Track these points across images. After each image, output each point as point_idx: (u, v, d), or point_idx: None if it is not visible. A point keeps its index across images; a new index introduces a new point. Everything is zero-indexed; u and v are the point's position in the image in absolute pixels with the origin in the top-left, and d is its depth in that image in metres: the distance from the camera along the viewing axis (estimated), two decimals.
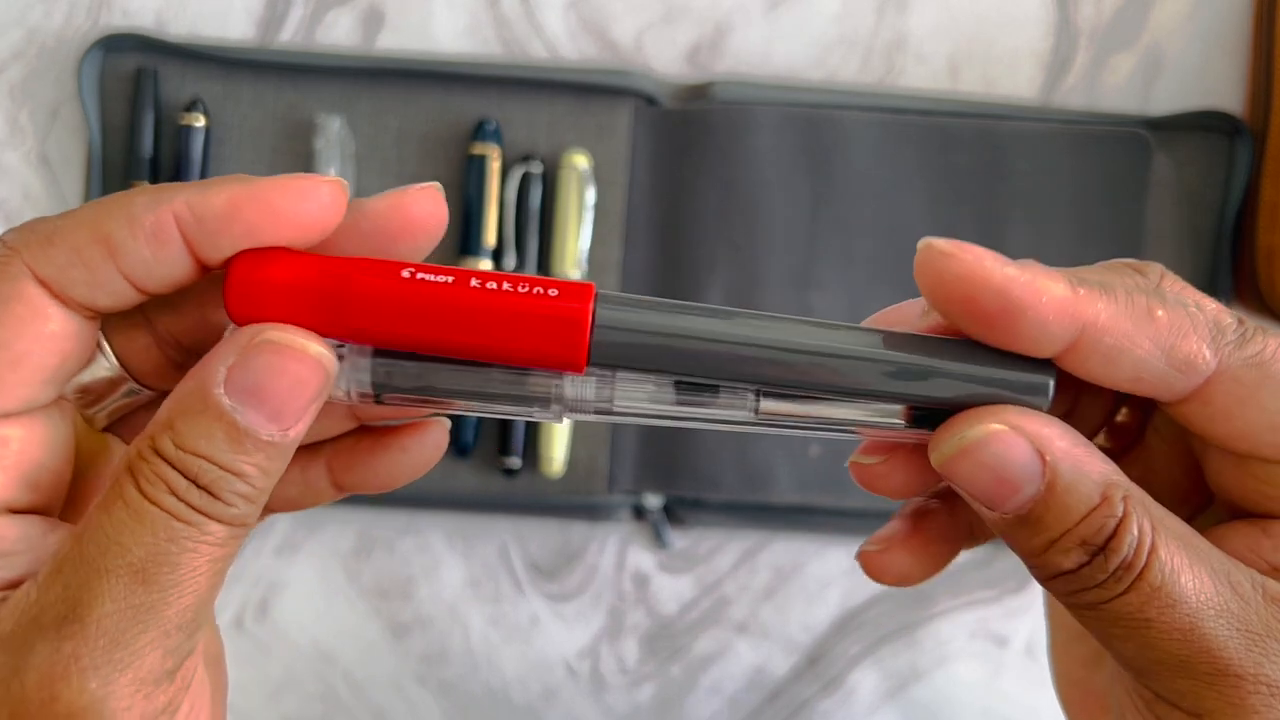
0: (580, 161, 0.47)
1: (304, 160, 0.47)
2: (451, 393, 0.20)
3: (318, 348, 0.19)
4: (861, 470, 0.23)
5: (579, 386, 0.21)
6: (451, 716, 0.51)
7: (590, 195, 0.47)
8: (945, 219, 0.48)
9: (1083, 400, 0.23)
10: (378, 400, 0.21)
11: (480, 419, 0.48)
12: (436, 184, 0.21)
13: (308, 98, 0.48)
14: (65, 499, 0.21)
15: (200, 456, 0.18)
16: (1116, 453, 0.24)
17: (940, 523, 0.24)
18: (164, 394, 0.21)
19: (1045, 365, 0.20)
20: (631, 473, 0.49)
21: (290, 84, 0.48)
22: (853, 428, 0.21)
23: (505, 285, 0.19)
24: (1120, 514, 0.19)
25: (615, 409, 0.21)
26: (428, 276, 0.19)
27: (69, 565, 0.17)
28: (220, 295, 0.20)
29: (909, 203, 0.48)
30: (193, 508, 0.18)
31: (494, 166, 0.47)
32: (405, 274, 0.19)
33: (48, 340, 0.18)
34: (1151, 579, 0.19)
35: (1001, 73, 0.50)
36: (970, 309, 0.20)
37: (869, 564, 0.24)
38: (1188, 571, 0.19)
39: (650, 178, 0.48)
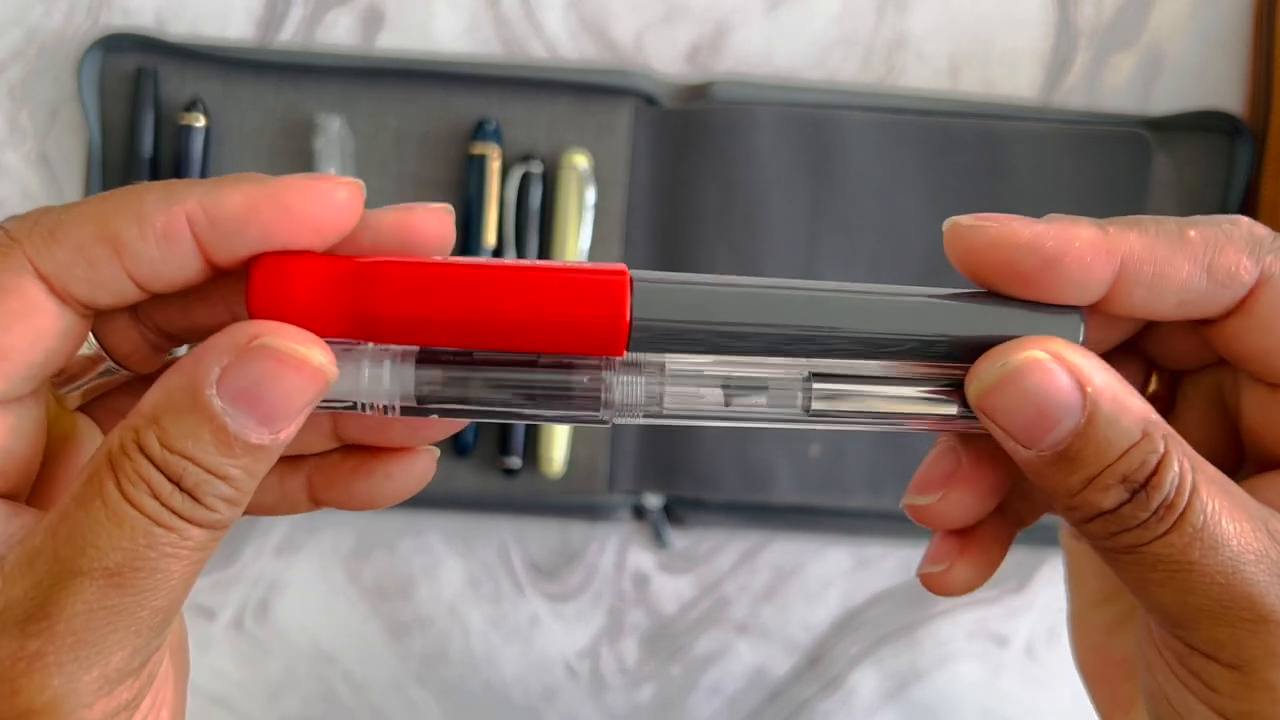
0: (580, 161, 0.47)
1: (304, 160, 0.47)
2: (494, 402, 0.20)
3: (319, 357, 0.18)
4: (920, 512, 0.23)
5: (627, 388, 0.20)
6: (451, 716, 0.51)
7: (590, 195, 0.47)
8: (945, 218, 0.48)
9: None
10: (421, 412, 0.20)
11: (478, 424, 0.48)
12: (448, 206, 0.21)
13: (307, 97, 0.48)
14: (38, 484, 0.20)
15: (186, 458, 0.17)
16: None
17: (991, 525, 0.24)
18: (139, 376, 0.21)
19: (1072, 309, 0.20)
20: (631, 472, 0.49)
21: (290, 84, 0.48)
22: (904, 419, 0.21)
23: (539, 303, 0.19)
24: (1162, 451, 0.19)
25: (665, 410, 0.20)
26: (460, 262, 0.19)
27: (41, 561, 0.17)
28: (209, 286, 0.19)
29: (909, 202, 0.48)
30: (174, 512, 0.17)
31: (494, 166, 0.47)
32: (437, 257, 0.19)
33: (37, 336, 0.18)
34: (1194, 519, 0.18)
35: (1002, 73, 0.50)
36: (1009, 270, 0.20)
37: (935, 585, 0.23)
38: (1228, 514, 0.18)
39: (650, 177, 0.48)
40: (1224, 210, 0.49)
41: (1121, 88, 0.50)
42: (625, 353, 0.20)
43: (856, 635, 0.51)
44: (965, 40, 0.50)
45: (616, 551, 0.50)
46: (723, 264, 0.48)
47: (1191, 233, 0.20)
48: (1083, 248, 0.20)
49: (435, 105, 0.48)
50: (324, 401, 0.19)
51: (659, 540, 0.50)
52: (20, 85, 0.48)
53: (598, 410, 0.20)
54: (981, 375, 0.20)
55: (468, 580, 0.50)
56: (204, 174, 0.47)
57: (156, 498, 0.17)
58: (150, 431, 0.17)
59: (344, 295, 0.18)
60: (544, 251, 0.48)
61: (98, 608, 0.16)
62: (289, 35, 0.49)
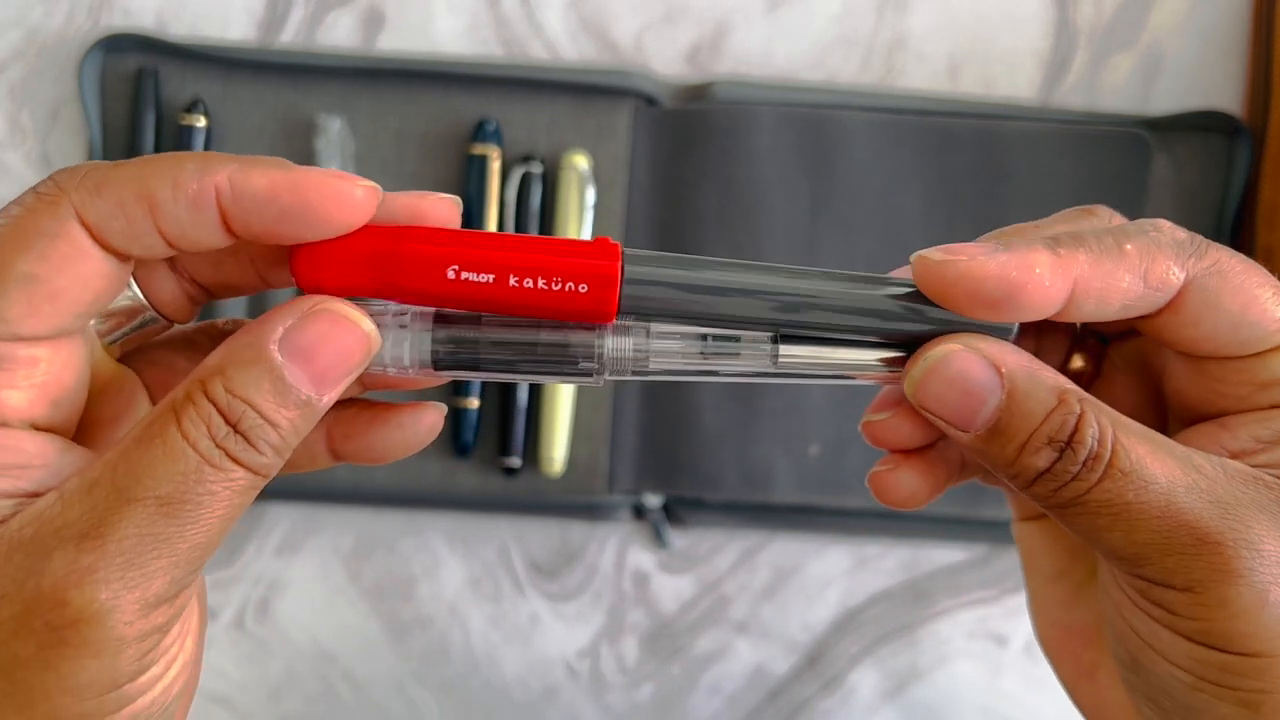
0: (580, 162, 0.47)
1: (304, 160, 0.48)
2: (501, 362, 0.22)
3: (369, 325, 0.21)
4: (873, 427, 0.26)
5: (618, 342, 0.23)
6: (452, 716, 0.51)
7: (590, 195, 0.47)
8: (944, 219, 0.48)
9: (1042, 347, 0.27)
10: (436, 368, 0.22)
11: (480, 419, 0.48)
12: (456, 198, 0.23)
13: (308, 98, 0.48)
14: (84, 426, 0.22)
15: (246, 402, 0.19)
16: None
17: (939, 452, 0.26)
18: (176, 324, 0.23)
19: None
20: (631, 472, 0.49)
21: (290, 84, 0.48)
22: (852, 372, 0.24)
23: (540, 282, 0.21)
24: (1078, 411, 0.21)
25: (650, 368, 0.23)
26: (470, 276, 0.21)
27: (99, 488, 0.18)
28: (239, 248, 0.22)
29: (908, 202, 0.48)
30: (225, 452, 0.19)
31: (494, 167, 0.47)
32: (450, 273, 0.21)
33: (85, 278, 0.20)
34: (1121, 464, 0.21)
35: (1001, 73, 0.50)
36: (977, 300, 0.22)
37: (879, 483, 0.26)
38: (1152, 457, 0.21)
39: (650, 178, 0.48)
40: (1223, 211, 0.49)
41: (1121, 88, 0.50)
42: (615, 318, 0.22)
43: (856, 635, 0.51)
44: (965, 40, 0.50)
45: (616, 551, 0.51)
46: None
47: (1128, 246, 0.22)
48: (1041, 275, 0.22)
49: (435, 106, 0.48)
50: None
51: (659, 540, 0.50)
52: (21, 85, 0.48)
53: (592, 367, 0.22)
54: (912, 373, 0.23)
55: (468, 580, 0.50)
56: None
57: (212, 438, 0.19)
58: (216, 380, 0.19)
59: (377, 259, 0.21)
60: None
61: (147, 533, 0.18)
62: (289, 36, 0.49)
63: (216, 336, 0.24)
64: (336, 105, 0.48)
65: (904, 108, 0.48)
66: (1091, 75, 0.50)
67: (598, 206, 0.48)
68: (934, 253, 0.23)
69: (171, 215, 0.20)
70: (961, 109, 0.49)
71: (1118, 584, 0.23)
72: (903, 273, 0.25)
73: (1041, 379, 0.22)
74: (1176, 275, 0.22)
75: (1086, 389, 0.24)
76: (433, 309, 0.23)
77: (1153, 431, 0.22)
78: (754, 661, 0.51)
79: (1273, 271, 0.46)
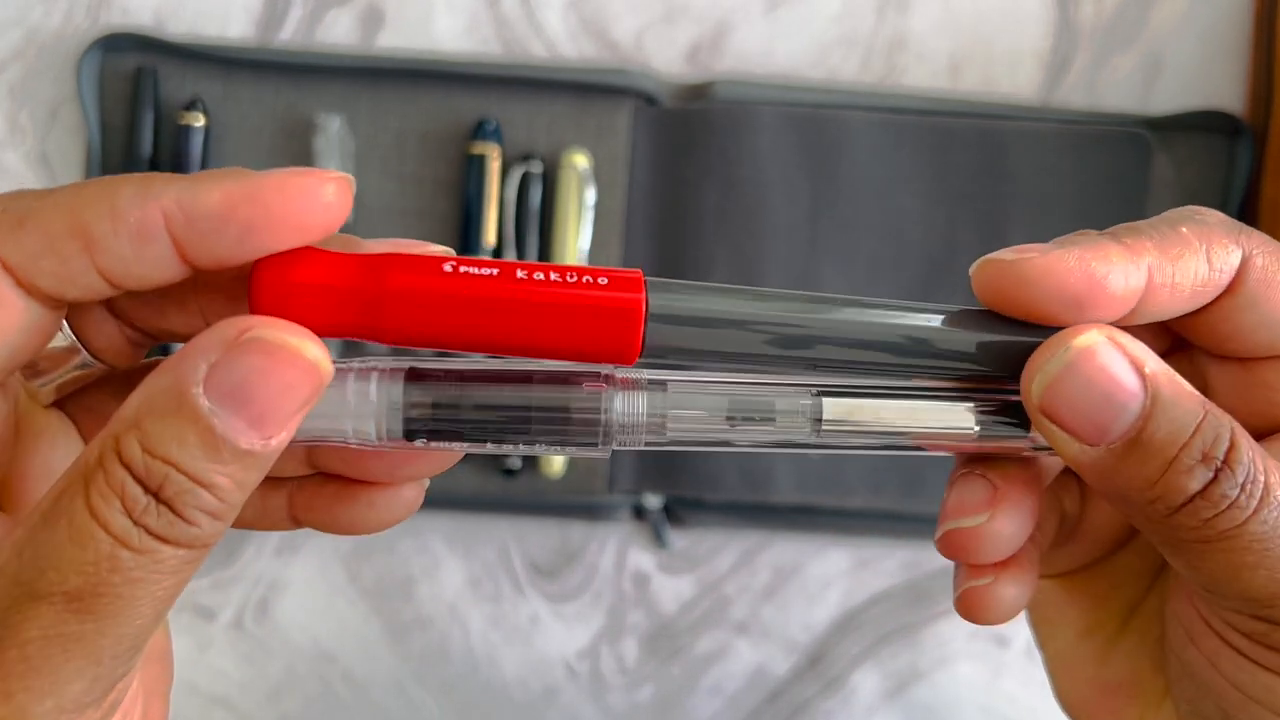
0: (580, 161, 0.47)
1: (304, 160, 0.47)
2: (488, 425, 0.18)
3: (314, 350, 0.16)
4: (963, 536, 0.21)
5: (629, 406, 0.19)
6: (451, 716, 0.51)
7: (590, 195, 0.47)
8: (945, 218, 0.48)
9: None
10: (408, 438, 0.18)
11: None
12: (448, 248, 0.19)
13: (307, 97, 0.48)
14: (3, 482, 0.19)
15: (169, 463, 0.15)
16: None
17: (1024, 550, 0.23)
18: (116, 370, 0.20)
19: None
20: (631, 473, 0.49)
21: (290, 83, 0.48)
22: (920, 439, 0.20)
23: (553, 275, 0.18)
24: (1230, 425, 0.18)
25: (667, 435, 0.19)
26: (470, 270, 0.17)
27: (1, 582, 0.16)
28: (186, 287, 0.18)
29: (909, 202, 0.48)
30: (146, 530, 0.16)
31: (494, 166, 0.47)
32: (447, 268, 0.17)
33: (4, 330, 0.17)
34: (1278, 493, 0.18)
35: (1002, 72, 0.50)
36: (1061, 298, 0.19)
37: (978, 603, 0.22)
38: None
39: (650, 177, 0.48)
40: (1225, 211, 0.49)
41: (1121, 87, 0.50)
42: (638, 358, 0.19)
43: (857, 635, 0.51)
44: (965, 40, 0.50)
45: (616, 551, 0.50)
46: (723, 264, 0.48)
47: (1184, 229, 0.20)
48: (1118, 265, 0.19)
49: (435, 105, 0.48)
50: (306, 436, 0.18)
51: (659, 540, 0.50)
52: (20, 85, 0.48)
53: (595, 435, 0.19)
54: (1046, 368, 0.19)
55: (468, 580, 0.50)
56: None
57: (129, 514, 0.15)
58: (131, 436, 0.15)
59: (352, 294, 0.17)
60: (544, 252, 0.48)
61: (54, 634, 0.15)
62: (289, 35, 0.49)
63: None
64: (336, 104, 0.47)
65: (905, 107, 0.48)
66: (1092, 75, 0.50)
67: (597, 206, 0.48)
68: (1005, 253, 0.20)
69: (112, 250, 0.17)
70: (962, 108, 0.49)
71: (1214, 632, 0.21)
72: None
73: (1184, 386, 0.19)
74: (1234, 252, 0.20)
75: None
76: (404, 364, 0.19)
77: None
78: (754, 662, 0.51)
79: None
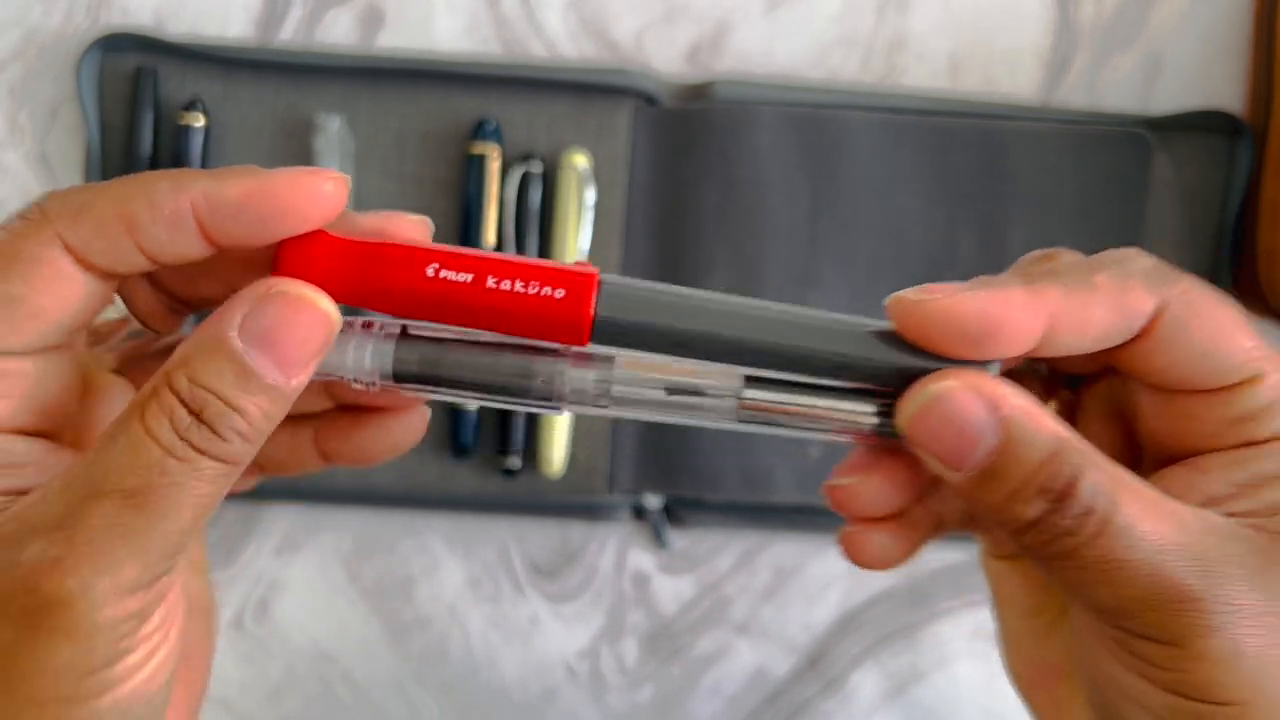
0: (580, 161, 0.47)
1: (304, 160, 0.47)
2: (462, 382, 0.22)
3: (326, 303, 0.21)
4: (838, 493, 0.25)
5: (580, 372, 0.22)
6: (451, 716, 0.51)
7: (590, 195, 0.47)
8: (945, 218, 0.48)
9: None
10: (397, 381, 0.23)
11: (480, 420, 0.48)
12: (426, 219, 0.24)
13: (307, 97, 0.48)
14: (75, 430, 0.23)
15: (209, 390, 0.20)
16: None
17: (913, 515, 0.26)
18: (161, 335, 0.25)
19: None
20: (631, 473, 0.49)
21: (289, 83, 0.48)
22: (828, 426, 0.23)
23: (518, 285, 0.21)
24: (1076, 463, 0.21)
25: (613, 400, 0.23)
26: (449, 274, 0.21)
27: (73, 484, 0.20)
28: (215, 260, 0.22)
29: (909, 202, 0.48)
30: (190, 444, 0.20)
31: (494, 166, 0.47)
32: (429, 271, 0.21)
33: (67, 297, 0.21)
34: (1118, 522, 0.21)
35: (1002, 72, 0.50)
36: (957, 338, 0.22)
37: (850, 544, 0.26)
38: (1144, 515, 0.21)
39: (650, 177, 0.48)
40: (1225, 211, 0.49)
41: (1121, 87, 0.50)
42: (589, 342, 0.22)
43: (857, 635, 0.51)
44: (965, 39, 0.50)
45: (616, 552, 0.50)
46: (723, 264, 0.48)
47: (1099, 277, 0.23)
48: (1018, 309, 0.22)
49: (435, 105, 0.48)
50: (319, 373, 0.22)
51: (659, 540, 0.50)
52: (20, 85, 0.48)
53: (551, 396, 0.22)
54: (907, 407, 0.22)
55: (468, 580, 0.50)
56: None
57: (175, 430, 0.20)
58: (180, 372, 0.20)
59: (354, 276, 0.21)
60: (544, 252, 0.48)
61: (114, 524, 0.19)
62: (288, 35, 0.49)
63: None
64: (336, 104, 0.47)
65: (905, 107, 0.48)
66: (1092, 74, 0.50)
67: (597, 206, 0.48)
68: (910, 293, 0.22)
69: (150, 234, 0.21)
70: (962, 108, 0.49)
71: (1095, 633, 0.23)
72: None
73: (1041, 425, 0.22)
74: (1147, 302, 0.23)
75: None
76: (399, 324, 0.23)
77: (1144, 483, 0.22)
78: (754, 662, 0.51)
79: (1276, 269, 0.47)
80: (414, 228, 0.23)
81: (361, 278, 0.21)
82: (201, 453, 0.20)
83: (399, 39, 0.49)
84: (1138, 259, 0.23)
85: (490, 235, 0.47)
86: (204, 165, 0.47)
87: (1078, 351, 0.23)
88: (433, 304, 0.21)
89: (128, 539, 0.19)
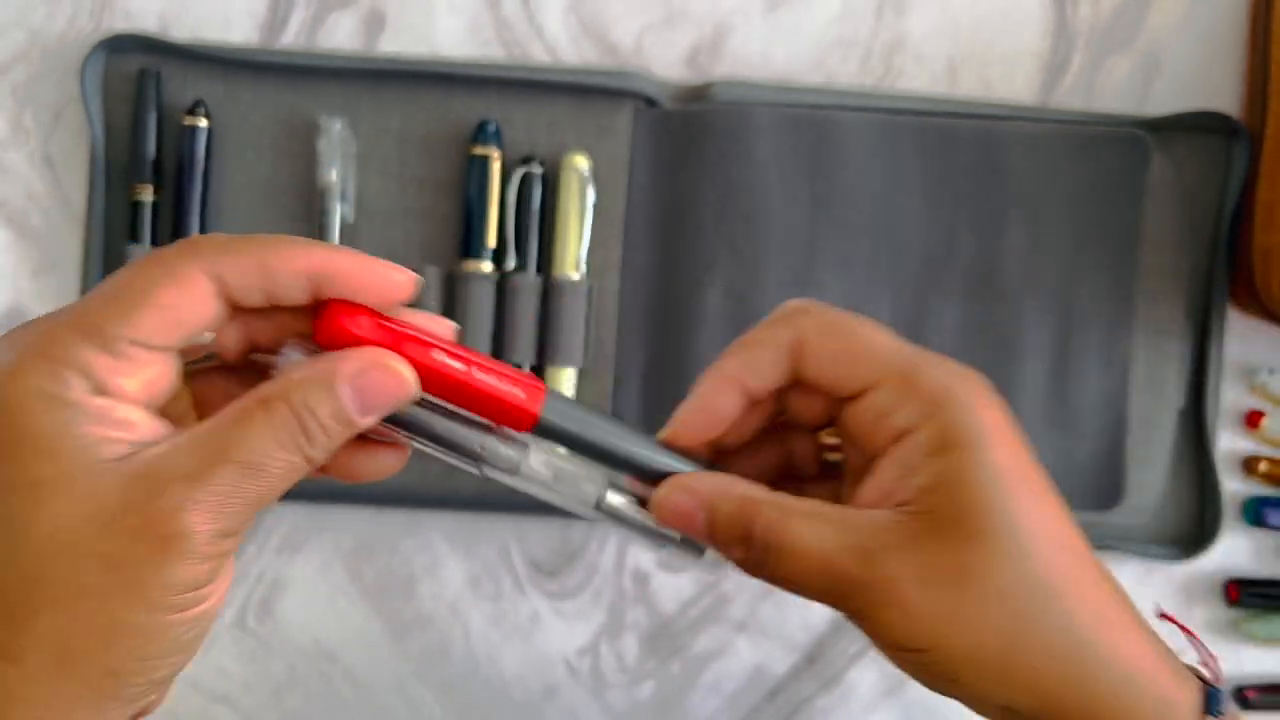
0: (581, 163, 0.47)
1: (306, 161, 0.48)
2: (421, 429, 0.28)
3: (412, 380, 0.27)
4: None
5: (500, 448, 0.29)
6: (452, 714, 0.51)
7: (590, 196, 0.48)
8: (943, 219, 0.48)
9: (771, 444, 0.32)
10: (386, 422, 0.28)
11: None
12: (455, 326, 0.29)
13: (309, 99, 0.48)
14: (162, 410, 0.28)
15: (313, 412, 0.25)
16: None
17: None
18: (222, 363, 0.29)
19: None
20: None
21: (291, 85, 0.48)
22: (656, 538, 0.30)
23: (493, 382, 0.28)
24: (749, 512, 0.28)
25: (519, 475, 0.29)
26: (448, 360, 0.28)
27: (204, 447, 0.25)
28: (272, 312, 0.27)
29: (907, 204, 0.48)
30: (295, 445, 0.25)
31: (494, 168, 0.47)
32: (436, 355, 0.28)
33: (201, 314, 0.26)
34: (787, 545, 0.27)
35: (999, 74, 0.50)
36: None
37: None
38: (810, 532, 0.27)
39: (650, 178, 0.48)
40: (1221, 211, 0.49)
41: (1119, 89, 0.50)
42: (528, 430, 0.29)
43: (855, 633, 0.51)
44: (963, 42, 0.50)
45: (616, 550, 0.51)
46: (721, 264, 0.48)
47: (749, 336, 0.30)
48: (715, 425, 0.30)
49: (436, 107, 0.48)
50: None
51: (659, 539, 0.50)
52: (24, 86, 0.49)
53: (478, 455, 0.29)
54: (652, 510, 0.30)
55: (469, 579, 0.51)
56: (207, 175, 0.47)
57: (286, 430, 0.25)
58: (298, 390, 0.25)
59: (384, 334, 0.27)
60: (544, 252, 0.48)
61: (231, 485, 0.25)
62: (291, 38, 0.49)
63: (253, 366, 0.30)
64: (338, 106, 0.48)
65: (903, 109, 0.49)
66: (1090, 76, 0.50)
67: (597, 207, 0.48)
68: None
69: (280, 281, 0.26)
70: (960, 110, 0.49)
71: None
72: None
73: (730, 494, 0.28)
74: (785, 334, 0.29)
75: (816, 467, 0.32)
76: None
77: (817, 505, 0.28)
78: (753, 660, 0.51)
79: (1271, 270, 0.47)
80: (445, 328, 0.28)
81: (389, 344, 0.27)
82: (298, 449, 0.25)
83: (401, 42, 0.49)
84: (788, 304, 0.30)
85: (491, 237, 0.47)
86: (207, 166, 0.47)
87: (768, 385, 0.29)
88: (432, 377, 0.28)
89: (238, 498, 0.25)
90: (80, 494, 0.24)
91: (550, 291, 0.48)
